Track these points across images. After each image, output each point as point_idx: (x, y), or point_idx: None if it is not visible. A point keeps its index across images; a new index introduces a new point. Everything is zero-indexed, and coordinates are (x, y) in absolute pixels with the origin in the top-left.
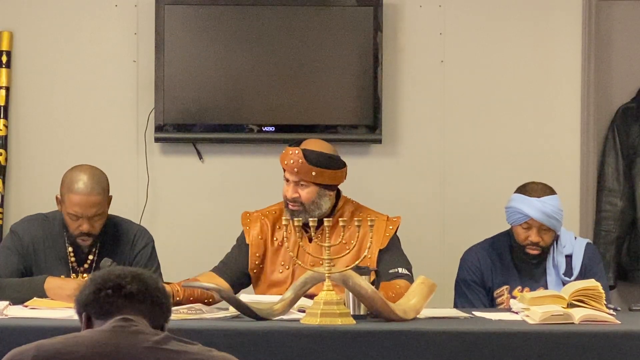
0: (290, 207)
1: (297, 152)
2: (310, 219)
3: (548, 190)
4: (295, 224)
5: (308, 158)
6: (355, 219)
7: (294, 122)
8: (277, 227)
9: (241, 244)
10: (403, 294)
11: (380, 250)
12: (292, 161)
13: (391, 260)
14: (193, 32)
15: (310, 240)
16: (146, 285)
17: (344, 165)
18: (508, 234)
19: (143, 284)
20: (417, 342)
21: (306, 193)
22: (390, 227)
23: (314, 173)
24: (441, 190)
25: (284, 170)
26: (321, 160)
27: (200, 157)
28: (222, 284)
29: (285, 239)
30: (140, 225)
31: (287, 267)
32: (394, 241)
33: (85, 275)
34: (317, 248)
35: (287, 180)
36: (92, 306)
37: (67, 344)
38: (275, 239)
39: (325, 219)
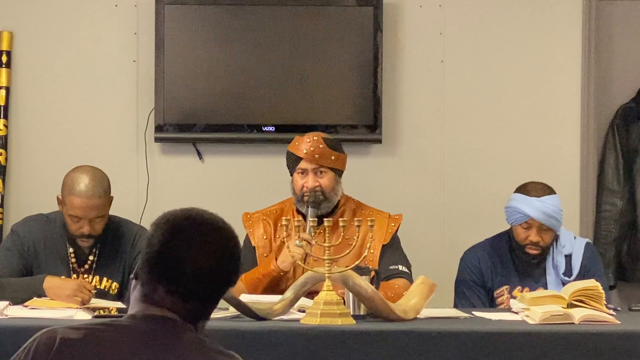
0: (310, 198)
1: (315, 138)
2: (311, 219)
3: (548, 190)
4: (295, 224)
5: (327, 142)
6: (355, 218)
7: (294, 122)
8: (279, 225)
9: (248, 246)
10: (402, 294)
11: (383, 246)
12: (312, 148)
13: (392, 256)
14: (193, 32)
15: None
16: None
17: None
18: (508, 234)
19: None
20: (417, 342)
21: (326, 180)
22: (393, 224)
23: (333, 157)
24: (441, 190)
25: (298, 161)
26: (337, 144)
27: (200, 157)
28: None
29: (285, 238)
30: (140, 226)
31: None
32: (396, 238)
33: (85, 276)
34: (317, 248)
35: (303, 172)
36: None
37: (90, 343)
38: (277, 236)
39: (325, 219)
